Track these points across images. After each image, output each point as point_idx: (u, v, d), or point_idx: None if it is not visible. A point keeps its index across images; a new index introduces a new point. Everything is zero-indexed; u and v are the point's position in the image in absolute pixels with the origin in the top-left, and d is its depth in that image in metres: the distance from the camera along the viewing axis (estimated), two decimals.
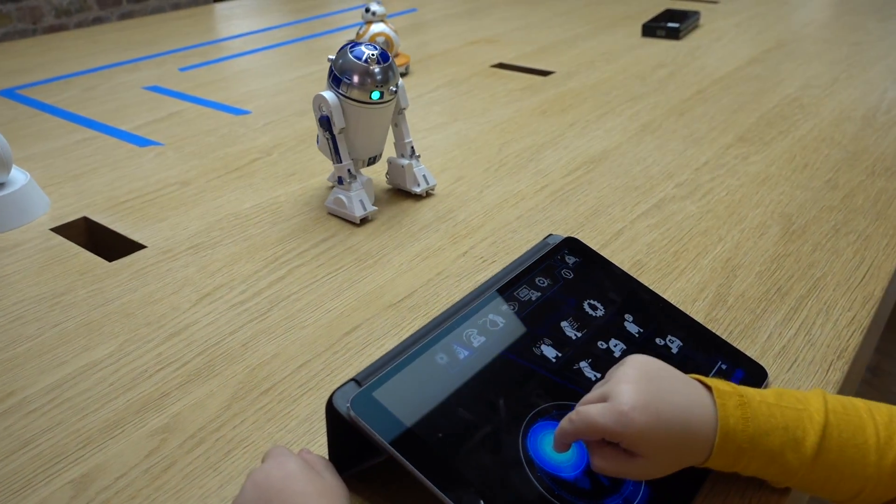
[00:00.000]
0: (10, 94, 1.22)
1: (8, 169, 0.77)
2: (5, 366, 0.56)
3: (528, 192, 0.81)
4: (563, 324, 0.50)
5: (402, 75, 1.24)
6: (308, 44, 1.50)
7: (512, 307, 0.50)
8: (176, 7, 3.47)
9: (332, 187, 0.78)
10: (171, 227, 0.76)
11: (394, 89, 0.72)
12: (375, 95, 0.70)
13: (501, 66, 1.30)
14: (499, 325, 0.48)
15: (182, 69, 1.33)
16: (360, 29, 1.23)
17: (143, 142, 0.99)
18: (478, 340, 0.47)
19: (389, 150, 0.82)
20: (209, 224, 0.76)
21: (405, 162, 0.80)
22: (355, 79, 0.69)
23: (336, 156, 0.73)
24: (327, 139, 0.73)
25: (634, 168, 0.86)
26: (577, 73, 1.24)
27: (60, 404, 0.52)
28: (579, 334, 0.49)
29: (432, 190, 0.82)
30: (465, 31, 1.56)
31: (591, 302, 0.52)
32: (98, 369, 0.55)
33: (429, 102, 1.11)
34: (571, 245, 0.57)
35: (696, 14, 1.52)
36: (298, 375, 0.54)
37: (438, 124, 1.02)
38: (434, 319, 0.48)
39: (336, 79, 0.70)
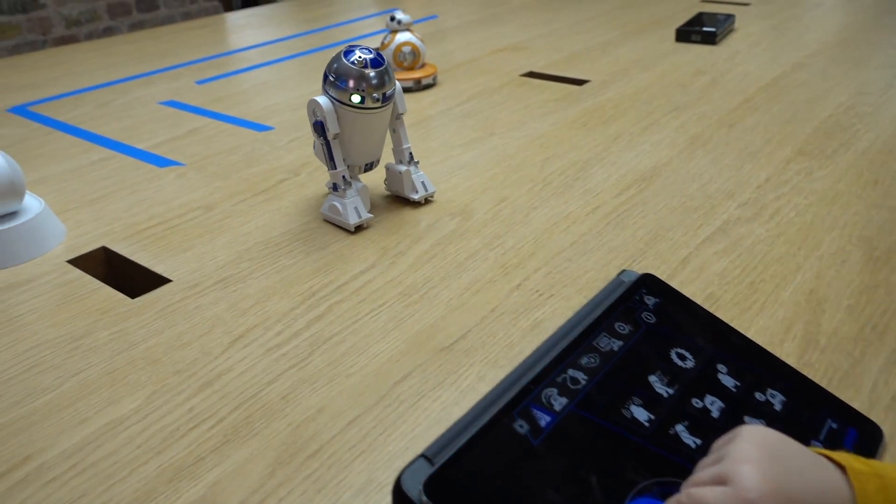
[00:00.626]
0: (21, 111, 1.17)
1: (21, 197, 0.72)
2: (21, 423, 0.50)
3: (579, 215, 0.75)
4: (652, 378, 0.44)
5: (430, 86, 1.19)
6: (328, 54, 1.45)
7: (592, 360, 0.44)
8: (187, 16, 3.43)
9: (328, 194, 0.75)
10: (197, 257, 0.71)
11: (389, 94, 0.70)
12: (369, 100, 0.68)
13: (532, 74, 1.24)
14: (580, 382, 0.42)
15: (199, 82, 1.28)
16: (384, 38, 1.17)
17: (162, 161, 0.94)
18: (559, 402, 0.41)
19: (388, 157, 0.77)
20: (238, 254, 0.71)
21: (403, 168, 0.77)
22: (350, 83, 0.67)
23: (330, 162, 0.72)
24: (322, 145, 0.71)
25: (690, 186, 0.80)
26: (612, 81, 1.18)
27: (83, 471, 0.46)
28: (670, 390, 0.43)
29: (431, 197, 0.80)
30: (490, 38, 1.50)
31: (679, 351, 0.46)
32: (124, 427, 0.50)
33: (461, 115, 1.06)
34: (649, 283, 0.51)
35: (730, 17, 1.46)
36: (348, 434, 0.48)
37: (474, 139, 0.97)
38: (506, 378, 0.42)
39: (330, 83, 0.68)
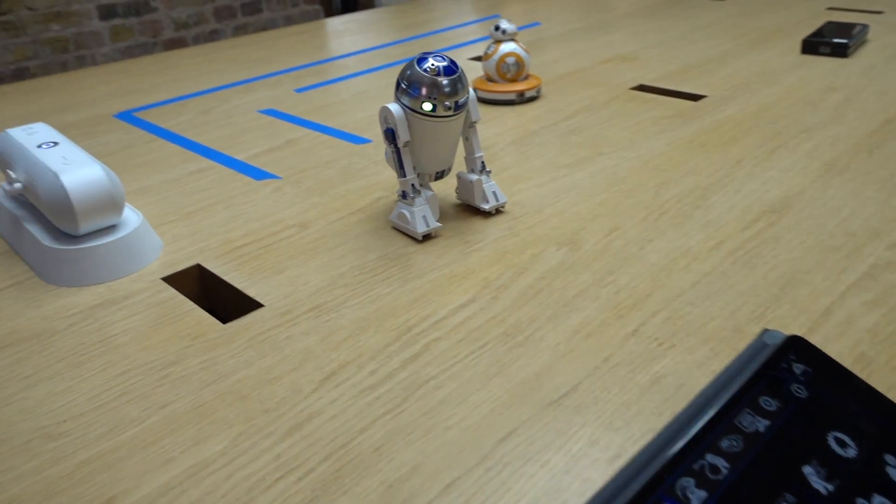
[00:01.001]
0: (127, 116, 1.18)
1: (120, 211, 0.71)
2: (107, 459, 0.48)
3: (701, 251, 0.68)
4: (807, 470, 0.37)
5: (533, 99, 1.13)
6: None
7: (735, 443, 0.38)
8: (288, 20, 3.50)
9: (398, 201, 0.74)
10: (291, 280, 0.68)
11: (462, 102, 0.68)
12: (441, 108, 0.67)
13: (642, 88, 1.17)
14: (721, 471, 0.36)
15: (298, 90, 1.27)
16: (488, 47, 1.13)
17: (259, 174, 0.93)
18: (697, 497, 0.35)
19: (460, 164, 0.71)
20: (331, 279, 0.68)
21: (475, 177, 0.76)
22: (422, 91, 0.66)
23: (400, 170, 0.71)
24: (393, 152, 0.71)
25: (828, 221, 0.72)
26: (732, 97, 1.09)
27: None
28: (829, 487, 0.37)
29: (502, 207, 0.78)
30: (596, 47, 1.43)
31: (837, 435, 0.39)
32: (209, 472, 0.47)
33: (566, 132, 1.00)
34: (798, 348, 0.44)
35: (863, 27, 1.34)
36: (446, 500, 0.43)
37: (581, 159, 0.91)
38: (632, 462, 0.36)
39: (402, 90, 0.67)
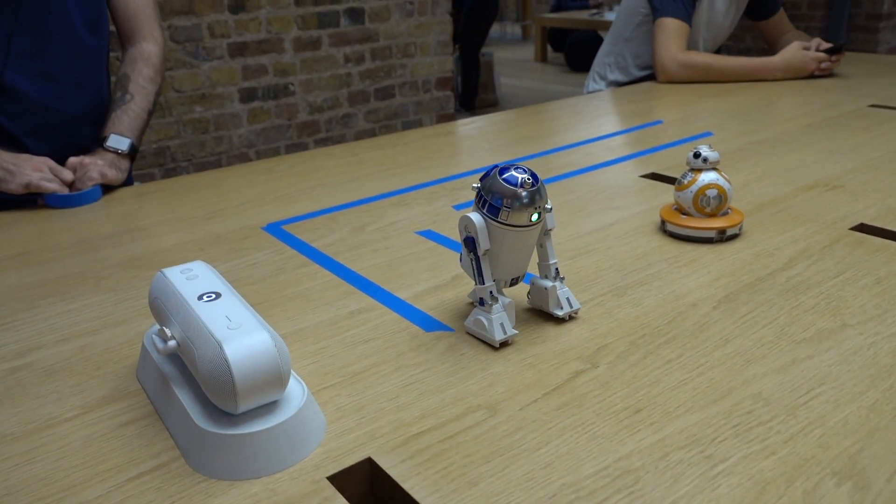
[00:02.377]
0: (276, 230, 1.10)
1: (285, 385, 0.60)
2: None
3: None
4: None
5: (734, 237, 0.97)
6: (594, 178, 1.28)
7: None
8: (419, 105, 3.50)
9: (472, 305, 0.79)
10: (487, 498, 0.54)
11: (545, 209, 0.72)
12: (526, 219, 0.70)
13: (864, 228, 0.99)
14: None
15: (456, 207, 1.16)
16: (683, 176, 0.98)
17: (428, 322, 0.80)
18: None
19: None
20: (538, 501, 0.53)
21: (549, 284, 0.78)
22: (504, 202, 0.70)
23: (479, 277, 0.74)
24: (471, 260, 0.74)
25: None
26: None
27: None
28: None
29: (575, 313, 0.80)
30: (788, 168, 1.26)
31: None
32: None
33: (790, 288, 0.83)
34: None
35: None
36: None
37: (821, 332, 0.73)
38: None
39: (483, 201, 0.71)
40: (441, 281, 0.90)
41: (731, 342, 0.73)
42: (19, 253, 1.05)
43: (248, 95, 2.97)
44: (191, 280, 0.67)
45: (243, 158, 3.05)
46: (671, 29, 2.07)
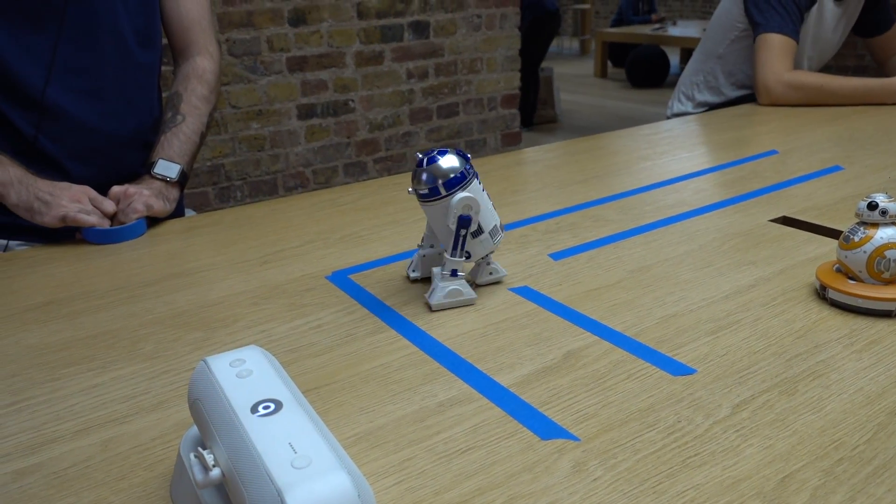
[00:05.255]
0: (342, 280, 0.94)
1: None
2: None
3: None
4: None
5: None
6: (713, 222, 1.09)
7: None
8: (483, 124, 3.33)
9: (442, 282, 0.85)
10: None
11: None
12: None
13: None
14: None
15: (553, 256, 0.98)
16: (852, 230, 0.78)
17: (545, 427, 0.62)
18: None
19: None
20: None
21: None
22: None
23: (461, 251, 0.80)
24: (461, 237, 0.79)
25: None
26: None
27: None
28: None
29: None
30: None
31: None
32: None
33: None
34: None
35: None
36: None
37: None
38: None
39: (449, 183, 0.77)
40: (550, 361, 0.72)
41: None
42: (48, 302, 0.90)
43: (306, 112, 2.84)
44: (242, 379, 0.51)
45: (299, 177, 2.93)
46: (777, 46, 1.85)
